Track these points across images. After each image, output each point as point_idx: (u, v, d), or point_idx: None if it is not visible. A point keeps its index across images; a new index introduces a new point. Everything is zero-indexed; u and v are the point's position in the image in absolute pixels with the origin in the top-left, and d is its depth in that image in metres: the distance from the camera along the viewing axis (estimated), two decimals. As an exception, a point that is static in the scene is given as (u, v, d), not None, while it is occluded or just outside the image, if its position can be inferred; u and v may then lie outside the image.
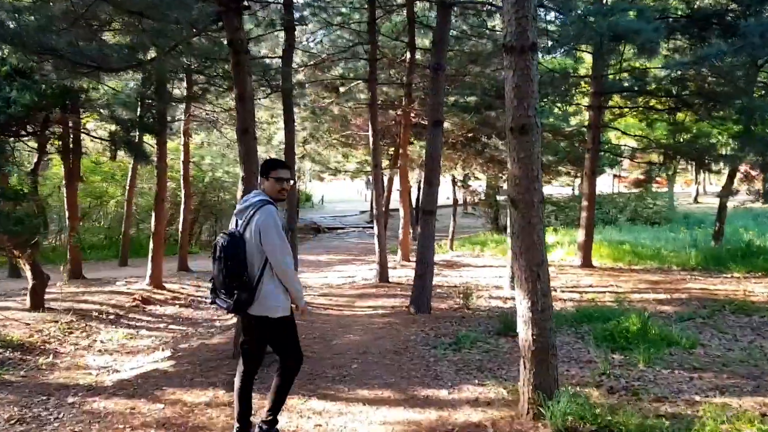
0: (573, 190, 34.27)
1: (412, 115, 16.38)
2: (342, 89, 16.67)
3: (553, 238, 19.64)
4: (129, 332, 9.23)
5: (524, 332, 4.64)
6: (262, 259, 3.91)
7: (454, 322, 8.56)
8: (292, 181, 4.43)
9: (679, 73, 13.30)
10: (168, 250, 19.03)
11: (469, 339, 7.28)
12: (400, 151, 15.92)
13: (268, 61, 12.53)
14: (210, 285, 4.12)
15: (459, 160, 17.98)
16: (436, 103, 8.79)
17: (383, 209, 12.97)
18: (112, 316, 9.94)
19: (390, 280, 13.04)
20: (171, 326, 9.81)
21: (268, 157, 18.88)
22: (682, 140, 14.63)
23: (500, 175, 19.20)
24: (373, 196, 13.21)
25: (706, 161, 14.51)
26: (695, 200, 36.64)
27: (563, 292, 11.13)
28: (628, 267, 14.59)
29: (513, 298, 10.91)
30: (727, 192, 16.18)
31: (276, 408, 4.21)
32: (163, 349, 7.85)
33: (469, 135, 18.39)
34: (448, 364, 6.50)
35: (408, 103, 15.43)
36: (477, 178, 19.95)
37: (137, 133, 10.54)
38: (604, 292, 11.09)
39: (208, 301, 4.37)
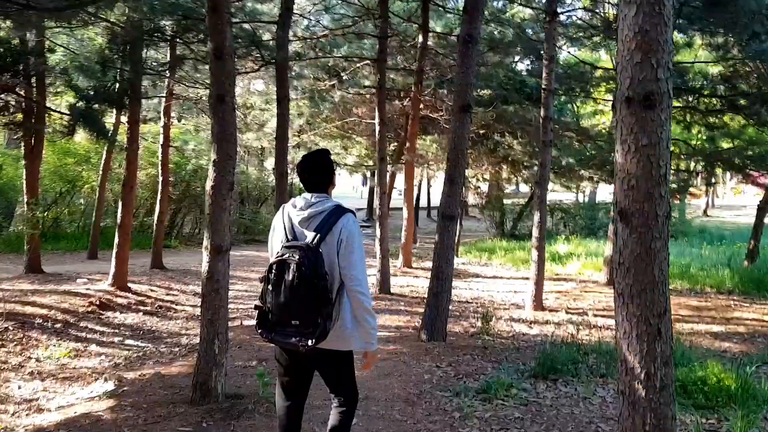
0: (577, 196, 32.78)
1: (421, 106, 14.71)
2: (345, 75, 15.00)
3: (565, 247, 18.01)
4: (75, 347, 7.55)
5: (631, 419, 2.97)
6: (339, 279, 3.11)
7: (476, 355, 6.90)
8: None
9: (730, 69, 11.71)
10: (144, 242, 17.33)
11: (501, 385, 5.61)
12: (407, 144, 14.24)
13: (263, 36, 10.85)
14: (257, 316, 3.19)
15: (468, 159, 16.34)
16: (465, 84, 7.12)
17: (387, 209, 11.32)
18: (59, 325, 8.22)
19: (391, 290, 11.37)
20: (128, 341, 8.11)
21: (261, 146, 16.82)
22: (723, 147, 13.00)
23: (513, 176, 17.63)
24: (375, 192, 11.49)
25: (751, 171, 12.90)
26: (705, 213, 35.14)
27: (596, 316, 9.49)
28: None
29: (537, 322, 9.58)
30: (765, 205, 14.62)
31: None
32: (107, 379, 6.17)
33: (481, 132, 16.73)
34: (478, 423, 4.83)
35: (418, 91, 13.76)
36: (485, 180, 18.31)
37: (100, 106, 8.83)
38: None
39: (263, 336, 3.19)
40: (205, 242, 4.98)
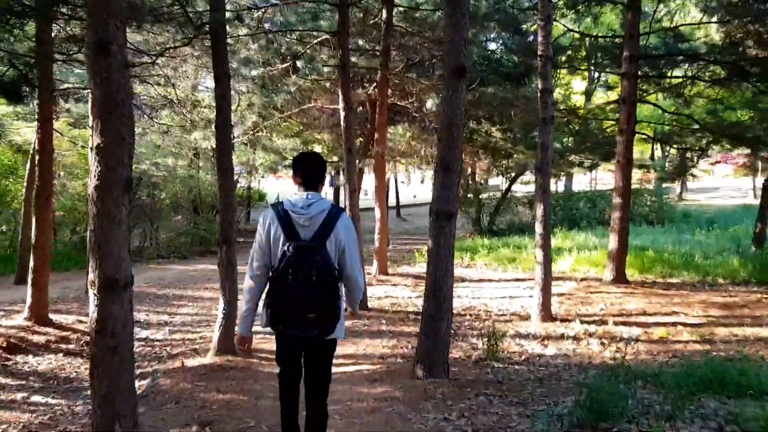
0: (556, 185, 31.46)
1: (389, 92, 13.01)
2: (300, 62, 13.21)
3: (553, 241, 16.48)
4: (-43, 414, 5.66)
5: None
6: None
7: (491, 395, 5.21)
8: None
9: (739, 34, 10.31)
10: (81, 260, 15.28)
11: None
12: (375, 136, 12.52)
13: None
14: (269, 314, 3.37)
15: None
16: (457, 40, 5.44)
17: (358, 210, 9.58)
18: (-57, 380, 6.32)
19: (369, 304, 9.65)
20: (35, 397, 6.23)
21: (211, 146, 14.84)
22: (732, 120, 11.58)
23: (494, 167, 16.05)
24: (344, 190, 9.77)
25: (753, 146, 11.54)
26: (680, 197, 34.18)
27: (617, 324, 7.92)
28: (663, 280, 11.54)
29: (551, 337, 7.57)
30: (771, 185, 13.31)
31: None
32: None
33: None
34: None
35: (386, 73, 12.05)
36: (462, 172, 16.71)
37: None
38: (673, 323, 7.93)
39: (280, 330, 3.39)
40: (91, 275, 3.21)
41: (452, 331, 7.70)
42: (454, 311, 9.18)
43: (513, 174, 20.04)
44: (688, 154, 13.86)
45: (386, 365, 6.41)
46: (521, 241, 16.75)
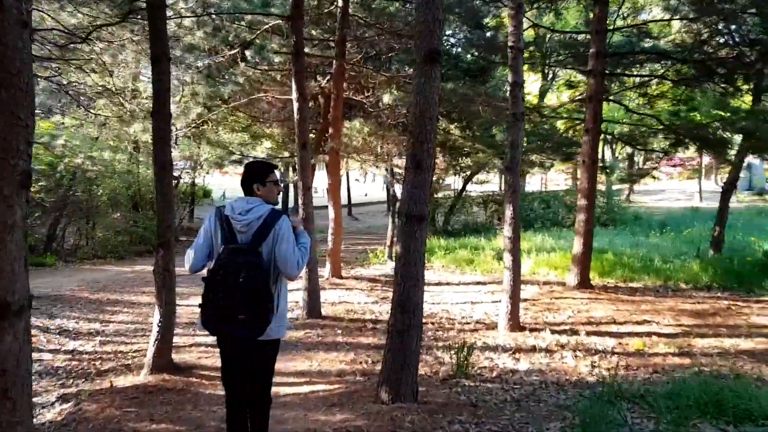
0: (500, 187, 31.23)
1: (345, 86, 12.29)
2: (249, 53, 12.37)
3: (507, 243, 16.06)
4: None
5: None
6: (277, 274, 3.55)
7: (467, 422, 4.58)
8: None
9: (704, 32, 10.03)
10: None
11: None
12: (330, 130, 11.80)
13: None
14: (201, 314, 3.46)
15: (399, 147, 14.02)
16: (430, 21, 4.81)
17: (312, 209, 8.83)
18: None
19: (323, 311, 8.93)
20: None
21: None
22: (689, 121, 11.31)
23: (451, 166, 15.49)
24: (296, 188, 9.05)
25: (719, 148, 11.32)
26: (627, 199, 34.50)
27: (589, 335, 7.43)
28: (625, 284, 11.22)
29: (521, 349, 6.86)
30: (730, 187, 13.17)
31: None
32: None
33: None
34: None
35: (342, 64, 11.35)
36: None
37: None
38: (646, 334, 7.50)
39: (210, 332, 3.51)
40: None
41: (415, 343, 7.12)
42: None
43: (468, 173, 19.58)
44: (649, 156, 13.55)
45: (345, 385, 5.73)
46: (478, 242, 16.30)
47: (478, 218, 22.34)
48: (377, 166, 16.42)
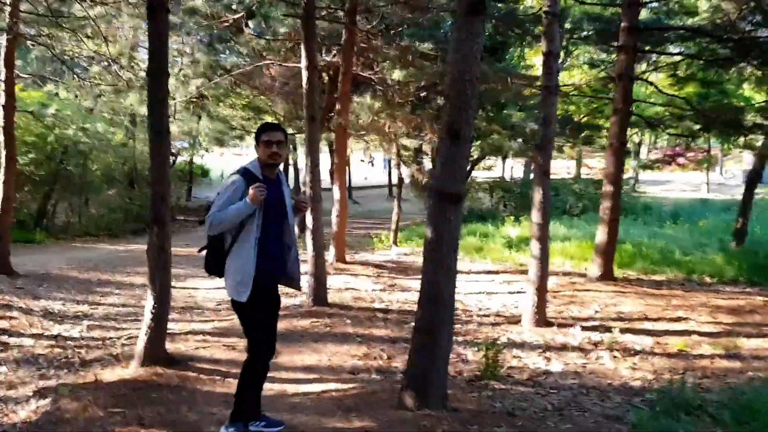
0: (503, 173, 30.50)
1: (355, 60, 11.55)
2: (252, 23, 11.62)
3: (516, 230, 15.43)
4: None
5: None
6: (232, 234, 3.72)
7: (506, 435, 3.96)
8: (274, 144, 3.75)
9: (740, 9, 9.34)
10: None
11: None
12: (337, 107, 11.08)
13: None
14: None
15: (408, 127, 13.26)
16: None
17: (320, 188, 8.13)
18: None
19: (328, 298, 8.25)
20: None
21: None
22: (721, 104, 10.64)
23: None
24: (304, 166, 8.38)
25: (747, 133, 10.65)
26: (633, 189, 33.83)
27: (623, 332, 6.77)
28: (647, 277, 10.61)
29: (552, 347, 6.16)
30: (755, 178, 12.55)
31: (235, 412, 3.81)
32: None
33: (422, 94, 13.71)
34: None
35: (351, 39, 10.62)
36: (426, 153, 15.25)
37: None
38: (685, 332, 6.87)
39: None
40: None
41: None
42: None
43: (475, 157, 18.87)
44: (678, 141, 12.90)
45: (360, 384, 5.08)
46: (486, 229, 15.65)
47: (483, 204, 21.68)
48: (383, 147, 15.69)
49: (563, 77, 16.67)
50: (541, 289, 6.90)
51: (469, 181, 20.79)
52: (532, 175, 26.79)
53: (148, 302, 5.28)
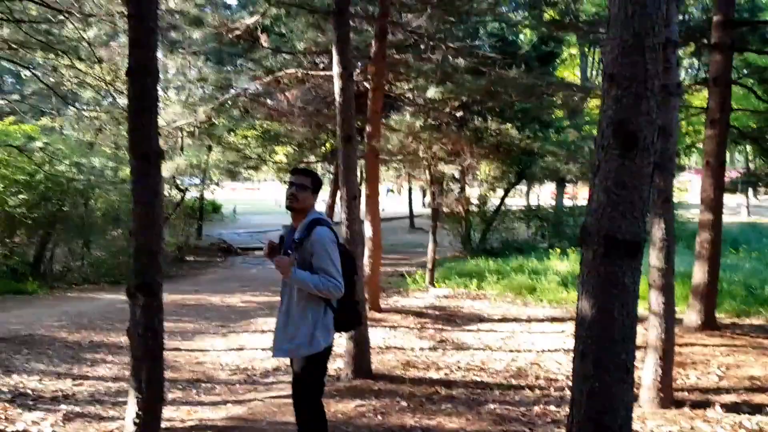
0: (528, 199, 28.61)
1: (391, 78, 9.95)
2: (265, 39, 10.08)
3: (565, 265, 13.61)
4: None
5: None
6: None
7: None
8: (293, 186, 3.58)
9: None
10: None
11: None
12: (367, 128, 9.47)
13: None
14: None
15: (445, 151, 11.60)
16: None
17: (359, 226, 6.43)
18: None
19: (373, 368, 6.49)
20: None
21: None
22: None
23: (507, 172, 13.04)
24: (338, 198, 6.69)
25: None
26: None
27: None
28: (741, 320, 8.81)
29: None
30: None
31: None
32: None
33: (458, 114, 12.08)
34: None
35: (382, 52, 9.06)
36: (475, 177, 13.60)
37: None
38: None
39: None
40: None
41: (521, 415, 4.72)
42: (494, 372, 6.25)
43: (511, 182, 17.14)
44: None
45: None
46: (533, 264, 13.81)
47: (518, 236, 19.85)
48: (412, 174, 14.02)
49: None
50: (667, 359, 5.12)
51: (503, 209, 18.96)
52: (565, 201, 25.10)
53: (130, 409, 3.56)
